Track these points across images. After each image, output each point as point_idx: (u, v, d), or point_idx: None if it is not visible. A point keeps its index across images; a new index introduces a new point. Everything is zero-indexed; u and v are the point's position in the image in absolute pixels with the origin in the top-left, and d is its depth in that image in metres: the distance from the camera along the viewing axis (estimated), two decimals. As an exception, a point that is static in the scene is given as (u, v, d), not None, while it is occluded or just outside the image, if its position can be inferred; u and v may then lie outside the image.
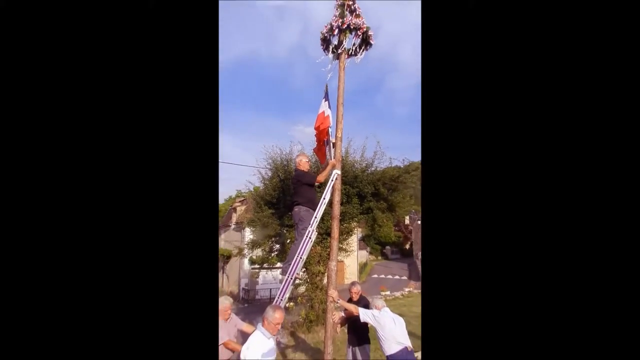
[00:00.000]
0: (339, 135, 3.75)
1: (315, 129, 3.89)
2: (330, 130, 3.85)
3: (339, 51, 3.70)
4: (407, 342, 3.24)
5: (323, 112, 3.82)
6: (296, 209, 3.75)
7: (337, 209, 3.72)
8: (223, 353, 3.22)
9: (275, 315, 2.51)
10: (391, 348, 3.21)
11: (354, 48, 3.69)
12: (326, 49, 3.79)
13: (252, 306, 13.51)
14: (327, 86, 3.88)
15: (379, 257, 34.75)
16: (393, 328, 3.26)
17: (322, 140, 3.93)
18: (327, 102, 3.83)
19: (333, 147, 3.83)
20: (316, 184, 3.82)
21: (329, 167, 3.71)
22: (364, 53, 3.75)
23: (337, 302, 3.56)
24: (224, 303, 3.45)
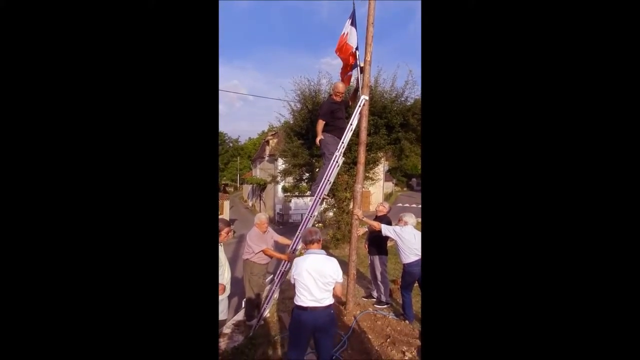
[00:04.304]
0: (368, 59, 3.64)
1: (336, 52, 3.80)
2: (358, 53, 3.76)
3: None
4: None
5: (345, 34, 3.68)
6: (322, 136, 3.95)
7: (364, 135, 3.85)
8: (262, 258, 3.84)
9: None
10: (409, 258, 3.65)
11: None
12: (356, -39, 3.48)
13: (286, 228, 15.11)
14: (354, 4, 3.66)
15: (404, 188, 35.29)
16: (413, 241, 3.65)
17: (346, 63, 3.85)
18: (349, 20, 3.65)
19: (361, 72, 3.78)
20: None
21: (319, 130, 3.87)
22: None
23: (363, 220, 3.95)
24: (262, 218, 3.98)
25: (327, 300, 2.31)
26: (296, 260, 2.44)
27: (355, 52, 3.75)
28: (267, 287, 4.21)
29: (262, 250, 3.78)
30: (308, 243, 2.46)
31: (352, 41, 3.67)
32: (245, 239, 3.90)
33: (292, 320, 2.37)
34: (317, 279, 2.27)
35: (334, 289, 2.36)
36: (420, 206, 22.51)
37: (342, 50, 3.73)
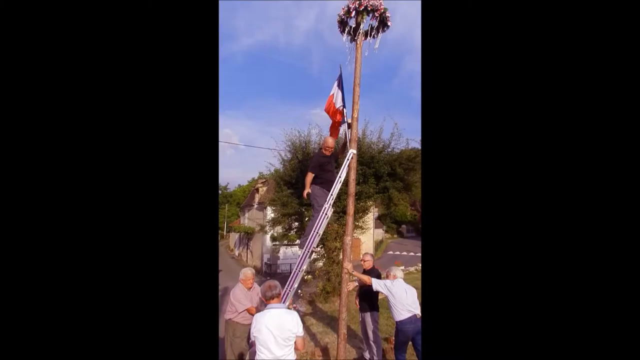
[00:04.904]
0: (355, 116, 3.85)
1: (325, 111, 4.04)
2: (345, 111, 3.98)
3: (357, 34, 3.75)
4: (417, 311, 3.48)
5: (332, 95, 3.95)
6: (311, 187, 3.99)
7: (352, 187, 3.90)
8: (246, 318, 3.59)
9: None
10: (401, 315, 3.47)
11: (371, 30, 3.73)
12: (343, 31, 3.84)
13: (274, 279, 14.45)
14: (340, 67, 3.96)
15: (395, 235, 35.07)
16: (404, 297, 3.51)
17: (334, 121, 4.07)
18: (337, 82, 3.93)
19: (349, 128, 3.96)
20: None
21: (307, 183, 3.93)
22: (380, 35, 3.77)
23: (352, 273, 3.82)
24: (247, 273, 3.80)
25: (289, 356, 2.24)
26: (256, 316, 2.39)
27: (343, 110, 3.97)
28: (250, 350, 3.88)
29: (246, 309, 3.55)
30: (268, 298, 2.44)
31: (338, 102, 3.92)
32: (228, 294, 3.68)
33: None
34: (276, 335, 2.24)
35: (295, 343, 2.31)
36: (411, 254, 21.98)
37: (330, 110, 3.96)
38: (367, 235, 20.09)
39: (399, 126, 8.27)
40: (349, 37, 3.88)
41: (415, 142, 8.42)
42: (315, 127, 9.23)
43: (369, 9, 3.60)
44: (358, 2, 3.61)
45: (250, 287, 3.73)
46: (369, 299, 4.14)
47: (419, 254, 21.28)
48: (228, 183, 49.83)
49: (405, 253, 22.39)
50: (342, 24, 3.82)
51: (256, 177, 34.95)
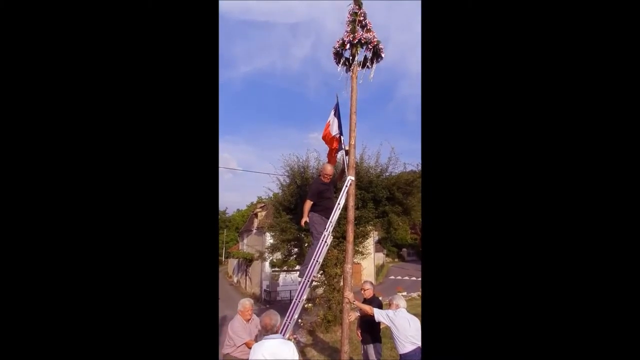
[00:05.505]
0: (352, 143, 3.91)
1: (322, 138, 4.13)
2: (342, 138, 4.05)
3: (352, 65, 3.90)
4: (420, 342, 3.35)
5: (329, 122, 4.05)
6: (310, 215, 3.97)
7: (351, 214, 3.88)
8: (245, 353, 3.44)
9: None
10: (405, 347, 3.34)
11: (365, 60, 3.88)
12: (339, 62, 3.99)
13: (274, 307, 13.96)
14: (337, 96, 4.08)
15: (396, 259, 34.51)
16: (407, 328, 3.39)
17: (331, 148, 4.15)
18: (333, 111, 4.04)
19: (346, 155, 4.01)
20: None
21: (305, 211, 3.90)
22: (375, 66, 3.92)
23: (353, 303, 3.71)
24: (246, 305, 3.68)
25: None
26: (253, 347, 2.41)
27: (340, 137, 4.04)
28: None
29: (245, 343, 3.41)
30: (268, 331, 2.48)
31: (334, 130, 4.00)
32: (226, 325, 3.55)
33: None
34: None
35: None
36: (413, 278, 21.50)
37: (327, 138, 4.04)
38: (368, 260, 19.74)
39: (395, 150, 8.40)
40: (345, 68, 4.03)
41: (412, 166, 8.51)
42: (313, 152, 9.36)
43: (363, 41, 3.77)
44: (352, 35, 3.78)
45: (249, 319, 3.60)
46: (371, 330, 4.00)
47: (421, 279, 20.68)
48: (226, 207, 49.41)
49: (407, 277, 21.89)
50: (338, 55, 3.98)
51: (255, 202, 34.84)
